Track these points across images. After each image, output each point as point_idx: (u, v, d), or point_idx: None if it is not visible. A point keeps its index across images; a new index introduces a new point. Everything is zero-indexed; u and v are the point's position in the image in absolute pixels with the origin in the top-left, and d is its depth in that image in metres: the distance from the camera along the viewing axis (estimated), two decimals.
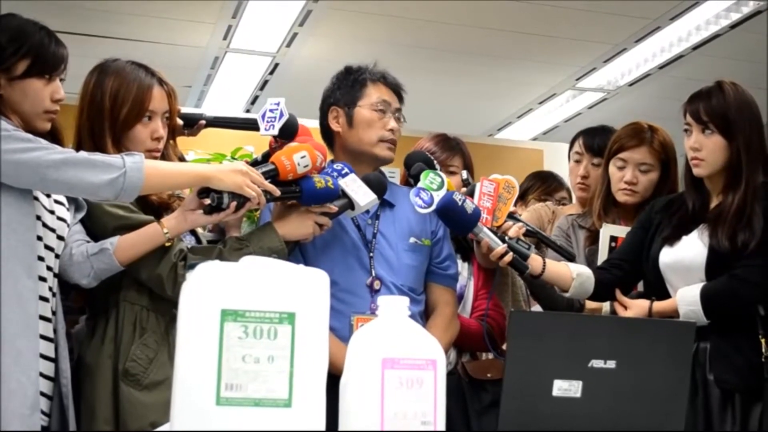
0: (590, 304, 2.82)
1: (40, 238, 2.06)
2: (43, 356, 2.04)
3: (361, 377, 1.37)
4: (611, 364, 1.60)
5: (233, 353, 1.33)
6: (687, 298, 2.42)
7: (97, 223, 2.22)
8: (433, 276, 2.60)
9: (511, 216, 2.57)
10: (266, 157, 2.41)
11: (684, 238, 2.51)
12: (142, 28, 5.73)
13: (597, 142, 3.19)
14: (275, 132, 2.40)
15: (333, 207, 2.36)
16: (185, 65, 6.29)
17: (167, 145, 2.39)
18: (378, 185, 2.46)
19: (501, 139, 7.50)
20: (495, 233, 2.48)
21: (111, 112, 2.28)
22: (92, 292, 2.22)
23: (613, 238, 2.86)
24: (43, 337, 2.04)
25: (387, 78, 2.62)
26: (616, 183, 2.92)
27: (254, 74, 6.59)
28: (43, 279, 2.06)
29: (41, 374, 2.02)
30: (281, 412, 1.34)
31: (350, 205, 2.39)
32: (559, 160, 4.72)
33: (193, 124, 2.63)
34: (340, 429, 1.38)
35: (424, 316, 2.55)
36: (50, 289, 2.09)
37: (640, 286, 2.70)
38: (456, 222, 2.45)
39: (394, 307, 1.43)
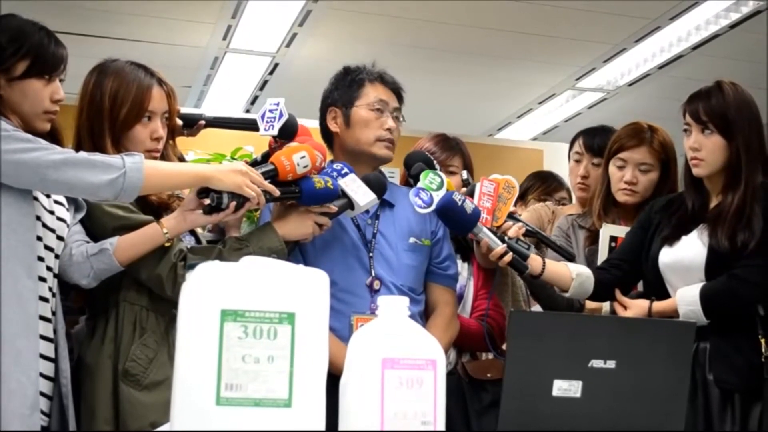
0: (590, 304, 2.82)
1: (39, 239, 2.06)
2: (43, 356, 2.03)
3: (361, 377, 1.37)
4: (611, 364, 1.60)
5: (233, 353, 1.33)
6: (686, 298, 2.42)
7: (97, 223, 2.22)
8: (433, 276, 2.60)
9: (511, 216, 2.57)
10: (266, 157, 2.41)
11: (683, 238, 2.51)
12: (142, 28, 5.73)
13: (597, 142, 3.19)
14: (275, 132, 2.40)
15: (333, 207, 2.36)
16: (185, 65, 6.29)
17: (167, 145, 2.39)
18: (378, 185, 2.46)
19: (501, 139, 7.50)
20: (495, 233, 2.48)
21: (110, 112, 2.28)
22: (92, 292, 2.22)
23: (613, 238, 2.86)
24: (43, 337, 2.04)
25: (384, 77, 2.62)
26: (616, 183, 2.92)
27: (254, 74, 6.59)
28: (42, 279, 2.06)
29: (41, 374, 2.02)
30: (281, 412, 1.34)
31: (350, 205, 2.39)
32: (558, 160, 4.72)
33: (192, 125, 2.63)
34: (340, 429, 1.38)
35: (424, 316, 2.55)
36: (50, 289, 2.09)
37: (640, 286, 2.70)
38: (455, 222, 2.45)
39: (394, 307, 1.43)
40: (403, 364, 1.37)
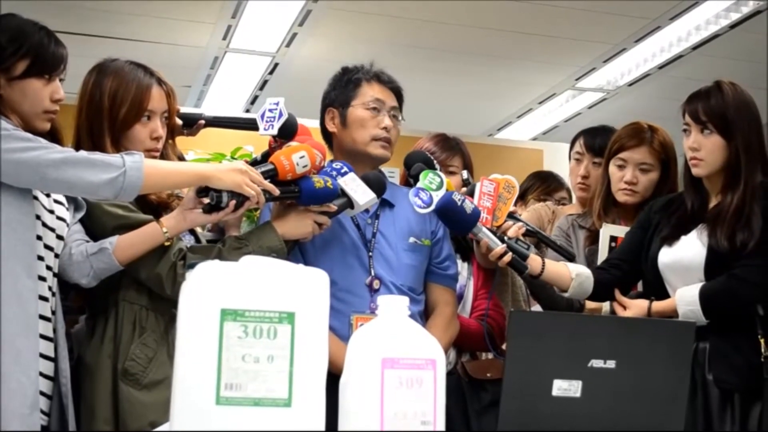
0: (590, 304, 2.82)
1: (39, 238, 2.06)
2: (42, 356, 2.03)
3: (361, 377, 1.37)
4: (611, 363, 1.60)
5: (233, 353, 1.33)
6: (686, 298, 2.42)
7: (97, 222, 2.22)
8: (433, 276, 2.60)
9: (511, 216, 2.57)
10: (265, 156, 2.41)
11: (683, 238, 2.51)
12: (142, 28, 5.73)
13: (598, 141, 3.19)
14: (274, 132, 2.40)
15: (332, 206, 2.36)
16: (185, 65, 6.29)
17: (166, 144, 2.39)
18: (377, 184, 2.46)
19: (501, 139, 7.50)
20: (494, 233, 2.48)
21: (110, 111, 2.28)
22: (92, 291, 2.22)
23: (613, 238, 2.86)
24: (42, 336, 2.04)
25: (381, 77, 2.62)
26: (616, 183, 2.92)
27: (254, 74, 6.59)
28: (42, 278, 2.06)
29: (41, 374, 2.02)
30: (281, 411, 1.34)
31: (349, 204, 2.39)
32: (558, 160, 4.72)
33: (192, 124, 2.63)
34: (339, 429, 1.38)
35: (424, 316, 2.55)
36: (50, 288, 2.09)
37: (640, 286, 2.70)
38: (455, 222, 2.45)
39: (394, 307, 1.43)
40: (402, 364, 1.37)
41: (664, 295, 2.52)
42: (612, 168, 2.93)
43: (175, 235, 2.22)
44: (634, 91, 6.82)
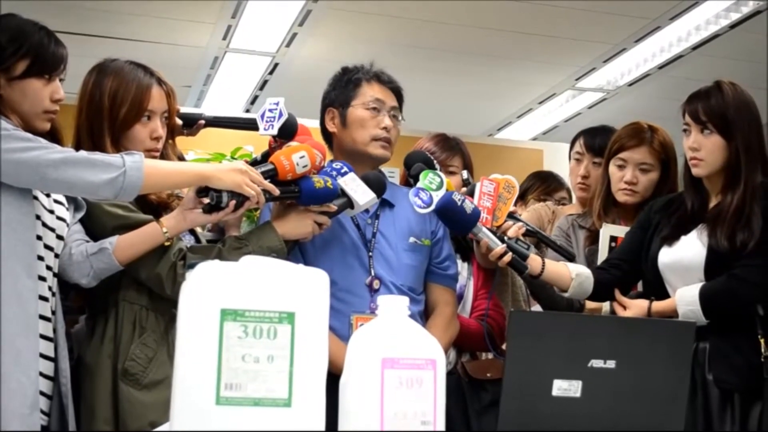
0: (590, 304, 2.82)
1: (39, 238, 2.06)
2: (42, 356, 2.03)
3: (361, 377, 1.37)
4: (611, 363, 1.60)
5: (233, 353, 1.33)
6: (686, 298, 2.42)
7: (97, 222, 2.22)
8: (433, 276, 2.60)
9: (511, 216, 2.57)
10: (265, 156, 2.41)
11: (683, 238, 2.51)
12: (142, 28, 5.73)
13: (598, 141, 3.19)
14: (274, 132, 2.40)
15: (332, 206, 2.36)
16: (185, 65, 6.29)
17: (166, 144, 2.39)
18: (377, 184, 2.46)
19: (501, 139, 7.50)
20: (494, 233, 2.48)
21: (110, 111, 2.28)
22: (92, 291, 2.22)
23: (613, 238, 2.86)
24: (42, 336, 2.04)
25: (381, 76, 2.62)
26: (616, 183, 2.92)
27: (254, 74, 6.59)
28: (42, 278, 2.06)
29: (41, 374, 2.02)
30: (281, 411, 1.34)
31: (349, 204, 2.39)
32: (558, 160, 4.72)
33: (192, 124, 2.63)
34: (339, 429, 1.38)
35: (424, 316, 2.55)
36: (50, 288, 2.09)
37: (640, 286, 2.70)
38: (455, 222, 2.45)
39: (394, 307, 1.43)
40: (402, 364, 1.37)
41: (664, 295, 2.52)
42: (612, 168, 2.93)
43: (175, 235, 2.22)
44: (634, 91, 6.82)
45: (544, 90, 6.92)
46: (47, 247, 2.09)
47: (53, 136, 2.19)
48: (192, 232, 2.42)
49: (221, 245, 2.29)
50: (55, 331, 2.10)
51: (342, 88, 2.61)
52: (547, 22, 5.64)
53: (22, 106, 2.11)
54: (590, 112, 7.17)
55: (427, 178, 2.44)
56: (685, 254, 2.49)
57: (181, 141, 2.57)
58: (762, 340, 2.36)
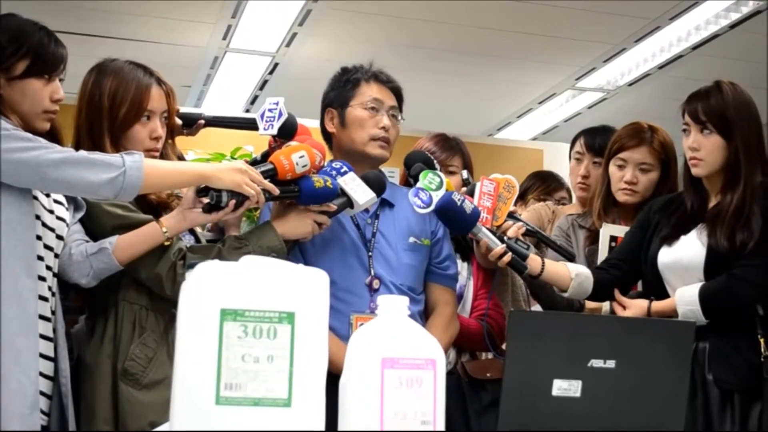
0: (590, 304, 2.82)
1: (39, 238, 2.06)
2: (42, 356, 2.03)
3: (361, 377, 1.37)
4: (611, 363, 1.60)
5: (233, 353, 1.33)
6: (686, 297, 2.42)
7: (96, 222, 2.22)
8: (433, 276, 2.60)
9: (511, 215, 2.57)
10: (265, 156, 2.41)
11: (682, 237, 2.51)
12: (142, 28, 5.73)
13: (598, 141, 3.19)
14: (274, 131, 2.40)
15: (332, 206, 2.36)
16: (185, 65, 6.29)
17: (166, 144, 2.39)
18: (377, 184, 2.46)
19: (501, 139, 7.50)
20: (494, 233, 2.48)
21: (109, 111, 2.28)
22: (91, 291, 2.22)
23: (613, 238, 2.86)
24: (42, 336, 2.04)
25: (379, 76, 2.62)
26: (616, 183, 2.92)
27: (254, 74, 6.59)
28: (42, 278, 2.06)
29: (41, 373, 2.02)
30: (281, 411, 1.34)
31: (349, 203, 2.39)
32: (558, 160, 4.72)
33: (192, 124, 2.63)
34: (339, 429, 1.38)
35: (424, 316, 2.55)
36: (50, 288, 2.09)
37: (640, 286, 2.70)
38: (455, 222, 2.45)
39: (394, 307, 1.43)
40: (402, 364, 1.37)
41: (663, 295, 2.52)
42: (612, 168, 2.93)
43: (175, 234, 2.22)
44: (634, 91, 6.82)
45: (544, 90, 6.92)
46: (47, 247, 2.09)
47: (53, 136, 2.19)
48: (192, 231, 2.42)
49: (221, 245, 2.29)
50: (55, 331, 2.10)
51: (340, 89, 2.61)
52: (547, 22, 5.64)
53: (22, 105, 2.11)
54: (590, 112, 7.17)
55: (426, 178, 2.44)
56: (685, 254, 2.49)
57: (180, 141, 2.57)
58: (762, 340, 2.35)
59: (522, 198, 3.72)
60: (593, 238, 2.95)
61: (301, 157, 2.28)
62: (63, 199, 2.19)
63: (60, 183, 2.00)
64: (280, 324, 1.35)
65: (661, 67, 6.34)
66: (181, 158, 2.53)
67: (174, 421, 1.33)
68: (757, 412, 2.35)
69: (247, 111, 7.12)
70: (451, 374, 2.57)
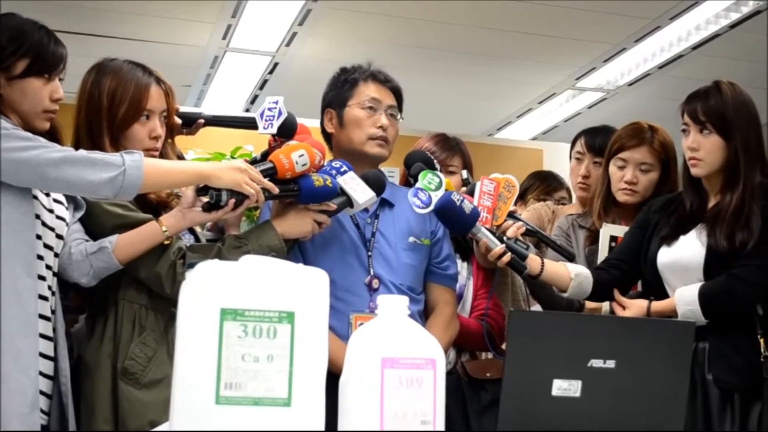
0: (590, 304, 2.82)
1: (39, 237, 2.06)
2: (42, 355, 2.03)
3: (361, 376, 1.37)
4: (611, 363, 1.60)
5: (233, 352, 1.33)
6: (685, 297, 2.42)
7: (96, 221, 2.22)
8: (433, 276, 2.60)
9: (511, 215, 2.57)
10: (265, 156, 2.41)
11: (682, 237, 2.51)
12: (143, 27, 5.73)
13: (598, 141, 3.20)
14: (274, 131, 2.40)
15: (332, 205, 2.36)
16: (185, 64, 6.29)
17: (165, 143, 2.39)
18: (377, 183, 2.46)
19: (501, 138, 7.50)
20: (493, 233, 2.48)
21: (109, 111, 2.28)
22: (91, 291, 2.22)
23: (613, 238, 2.86)
24: (42, 335, 2.04)
25: (378, 76, 2.62)
26: (617, 183, 2.92)
27: (254, 74, 6.59)
28: (42, 278, 2.05)
29: (41, 373, 2.02)
30: (280, 411, 1.34)
31: (349, 202, 2.39)
32: (558, 160, 4.72)
33: (191, 123, 2.63)
34: (339, 428, 1.38)
35: (424, 315, 2.55)
36: (49, 287, 2.09)
37: (639, 286, 2.70)
38: (454, 222, 2.45)
39: (394, 307, 1.42)
40: (402, 364, 1.37)
41: (663, 295, 2.52)
42: (612, 168, 2.93)
43: (175, 233, 2.22)
44: (634, 91, 6.82)
45: (544, 90, 6.92)
46: (47, 246, 2.09)
47: (53, 135, 2.19)
48: (191, 231, 2.42)
49: (221, 244, 2.29)
50: (54, 330, 2.10)
51: (339, 89, 2.61)
52: (547, 22, 5.64)
53: (22, 105, 2.11)
54: (590, 112, 7.17)
55: (426, 178, 2.44)
56: (684, 254, 2.49)
57: (180, 140, 2.57)
58: (761, 340, 2.35)
59: (522, 198, 3.72)
60: (593, 238, 2.95)
61: (300, 156, 2.28)
62: (63, 199, 2.19)
63: (60, 182, 2.00)
64: (280, 324, 1.35)
65: (661, 67, 6.34)
66: (180, 157, 2.53)
67: (174, 420, 1.33)
68: (757, 412, 2.35)
69: (247, 110, 7.12)
70: (450, 374, 2.57)
